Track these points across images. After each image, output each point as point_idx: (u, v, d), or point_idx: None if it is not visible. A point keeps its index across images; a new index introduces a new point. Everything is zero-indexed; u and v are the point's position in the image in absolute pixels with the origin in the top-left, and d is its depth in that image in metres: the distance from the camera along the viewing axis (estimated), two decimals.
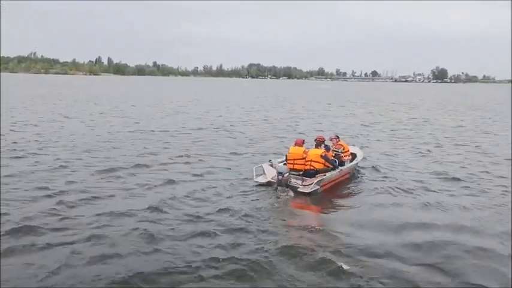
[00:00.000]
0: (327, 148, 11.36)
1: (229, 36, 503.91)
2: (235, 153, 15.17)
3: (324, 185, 10.52)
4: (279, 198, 9.77)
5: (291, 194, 10.01)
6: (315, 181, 10.20)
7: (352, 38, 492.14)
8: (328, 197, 10.19)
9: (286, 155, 11.21)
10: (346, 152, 12.10)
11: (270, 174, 10.75)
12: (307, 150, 11.02)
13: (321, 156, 10.88)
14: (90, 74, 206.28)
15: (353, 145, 14.41)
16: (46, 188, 9.90)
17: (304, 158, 10.87)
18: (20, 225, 7.46)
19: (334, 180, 10.99)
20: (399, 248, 7.11)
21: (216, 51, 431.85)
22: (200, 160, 13.77)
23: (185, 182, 10.91)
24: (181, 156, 14.27)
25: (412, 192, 10.55)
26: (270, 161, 11.24)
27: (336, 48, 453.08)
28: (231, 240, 7.11)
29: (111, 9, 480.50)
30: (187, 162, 13.39)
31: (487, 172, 12.90)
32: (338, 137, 12.57)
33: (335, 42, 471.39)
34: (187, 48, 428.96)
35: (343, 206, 9.65)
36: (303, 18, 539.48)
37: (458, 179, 11.91)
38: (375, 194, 10.51)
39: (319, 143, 11.29)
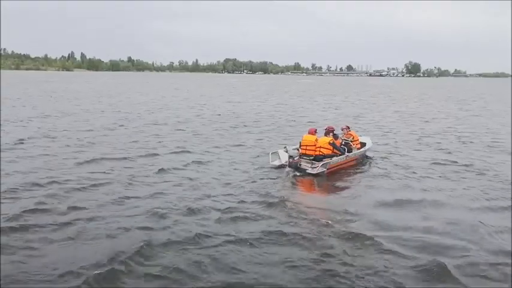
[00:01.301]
0: (335, 136, 12.64)
1: (204, 31, 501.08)
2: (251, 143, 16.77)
3: (331, 168, 11.85)
4: (289, 178, 11.28)
5: (298, 174, 11.53)
6: (321, 164, 11.61)
7: (328, 34, 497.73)
8: (334, 178, 11.54)
9: (300, 142, 12.47)
10: (355, 140, 13.47)
11: (284, 159, 12.09)
12: (318, 138, 12.29)
13: (329, 143, 12.21)
14: (62, 70, 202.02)
15: (364, 135, 15.70)
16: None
17: (315, 145, 12.15)
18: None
19: (341, 165, 12.32)
20: (391, 224, 8.14)
21: (191, 46, 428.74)
22: (217, 147, 15.32)
23: (209, 164, 12.40)
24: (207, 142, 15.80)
25: (410, 176, 11.87)
26: (285, 147, 12.49)
27: (311, 44, 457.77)
28: (246, 214, 8.32)
29: (83, 4, 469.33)
30: (208, 149, 14.82)
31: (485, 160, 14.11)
32: (349, 127, 13.96)
33: (310, 39, 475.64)
34: (162, 43, 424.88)
35: (346, 187, 10.98)
36: (278, 14, 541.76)
37: (454, 164, 13.36)
38: (377, 177, 11.83)
39: (328, 131, 12.60)
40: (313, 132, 12.46)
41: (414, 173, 12.11)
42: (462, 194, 10.22)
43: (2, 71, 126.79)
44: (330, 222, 8.06)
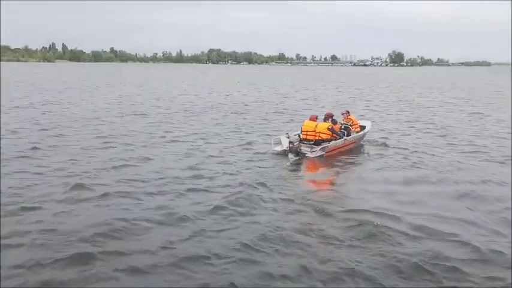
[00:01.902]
0: (334, 122, 13.21)
1: (187, 21, 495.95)
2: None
3: (330, 151, 12.48)
4: (289, 162, 11.83)
5: (298, 158, 12.07)
6: (319, 148, 12.23)
7: (312, 23, 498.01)
8: (332, 161, 12.19)
9: (301, 128, 13.07)
10: (354, 124, 14.09)
11: (286, 144, 12.66)
12: (318, 123, 12.95)
13: (328, 128, 12.80)
14: (44, 61, 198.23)
15: (363, 119, 16.34)
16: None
17: (315, 130, 12.74)
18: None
19: (339, 148, 12.93)
20: (384, 201, 8.74)
21: (175, 36, 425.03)
22: (217, 134, 15.83)
23: (210, 151, 12.90)
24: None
25: (402, 157, 12.57)
26: (287, 133, 13.09)
27: (296, 33, 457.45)
28: (250, 197, 8.76)
29: None
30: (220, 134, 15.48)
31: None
32: (348, 112, 14.61)
33: (294, 28, 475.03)
34: (145, 34, 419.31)
35: (343, 168, 11.63)
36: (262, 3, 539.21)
37: (443, 145, 14.20)
38: (371, 159, 12.61)
39: (326, 117, 13.20)
40: (314, 118, 13.11)
41: (406, 157, 12.68)
42: (456, 173, 10.92)
43: None
44: (327, 201, 8.61)
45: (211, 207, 8.03)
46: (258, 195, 8.80)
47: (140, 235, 6.84)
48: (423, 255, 6.20)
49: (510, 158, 12.39)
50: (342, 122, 13.98)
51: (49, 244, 6.42)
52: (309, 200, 8.65)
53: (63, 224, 7.17)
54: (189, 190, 9.10)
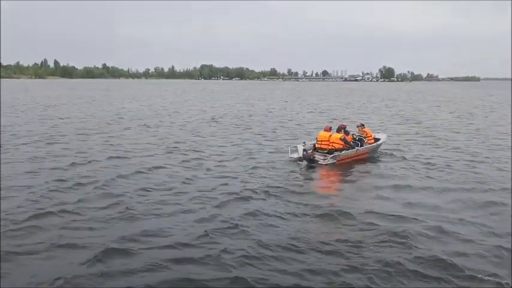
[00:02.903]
0: (346, 133, 14.24)
1: (179, 37, 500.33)
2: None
3: (342, 159, 13.50)
4: (303, 168, 13.05)
5: (312, 165, 13.21)
6: (331, 156, 13.33)
7: (303, 38, 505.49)
8: (343, 168, 13.15)
9: (316, 138, 14.28)
10: (369, 137, 15.12)
11: (301, 152, 13.72)
12: (332, 134, 14.05)
13: (340, 139, 13.82)
14: (35, 78, 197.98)
15: (378, 132, 17.35)
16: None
17: (329, 140, 13.79)
18: None
19: (351, 157, 13.91)
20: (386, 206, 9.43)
21: (166, 52, 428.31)
22: (235, 144, 16.85)
23: (230, 157, 13.76)
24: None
25: (408, 167, 13.40)
26: (304, 142, 14.24)
27: (287, 48, 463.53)
28: (267, 197, 9.90)
29: (53, 10, 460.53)
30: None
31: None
32: (363, 125, 15.72)
33: (287, 43, 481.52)
34: (137, 50, 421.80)
35: (352, 175, 12.53)
36: (253, 17, 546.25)
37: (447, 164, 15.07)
38: (383, 167, 13.48)
39: (339, 128, 14.25)
40: (328, 129, 14.26)
41: (413, 167, 13.43)
42: (463, 181, 11.76)
43: None
44: (333, 204, 9.45)
45: (229, 209, 8.92)
46: (272, 197, 9.85)
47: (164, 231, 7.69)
48: (434, 257, 6.70)
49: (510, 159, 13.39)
50: (357, 134, 15.01)
51: None
52: (317, 202, 9.57)
53: None
54: (204, 190, 10.25)
